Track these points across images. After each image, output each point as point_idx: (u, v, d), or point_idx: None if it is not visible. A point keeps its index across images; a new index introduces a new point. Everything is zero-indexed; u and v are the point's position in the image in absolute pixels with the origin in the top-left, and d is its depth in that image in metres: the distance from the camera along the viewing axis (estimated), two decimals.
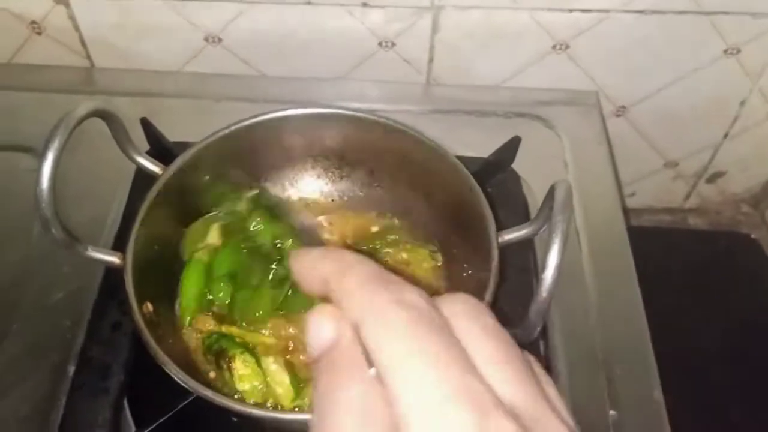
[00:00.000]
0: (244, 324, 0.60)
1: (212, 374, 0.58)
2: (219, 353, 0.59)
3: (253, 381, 0.57)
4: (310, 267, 0.28)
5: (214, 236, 0.66)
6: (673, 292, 0.99)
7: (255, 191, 0.69)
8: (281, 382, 0.57)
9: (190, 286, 0.63)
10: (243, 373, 0.57)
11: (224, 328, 0.60)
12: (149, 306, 0.57)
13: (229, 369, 0.57)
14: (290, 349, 0.59)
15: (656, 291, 0.74)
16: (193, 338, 0.61)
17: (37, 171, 0.50)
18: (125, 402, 0.61)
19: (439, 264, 0.67)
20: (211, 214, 0.67)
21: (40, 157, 0.50)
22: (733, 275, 1.03)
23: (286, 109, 0.66)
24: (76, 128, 0.52)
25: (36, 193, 0.51)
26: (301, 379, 0.58)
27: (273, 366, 0.58)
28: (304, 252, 0.30)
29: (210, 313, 0.62)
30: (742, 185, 1.07)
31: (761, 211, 1.09)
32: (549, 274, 0.44)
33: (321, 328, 0.26)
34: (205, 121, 0.81)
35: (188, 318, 0.61)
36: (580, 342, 0.68)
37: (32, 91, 0.87)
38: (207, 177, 0.66)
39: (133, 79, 0.88)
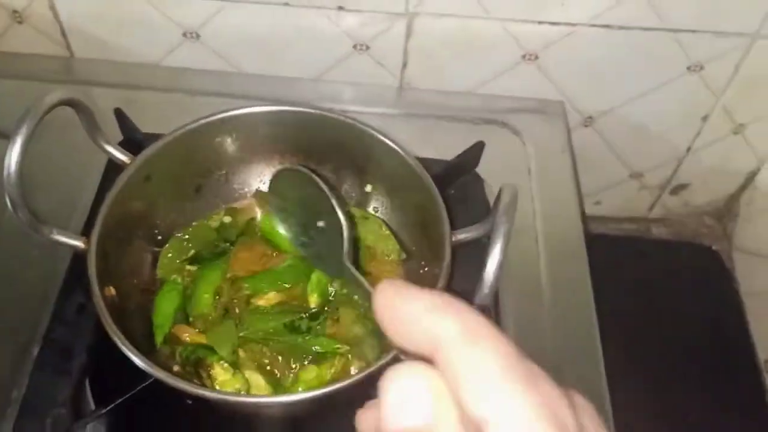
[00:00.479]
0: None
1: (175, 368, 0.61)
2: (197, 363, 0.61)
3: (234, 385, 0.59)
4: (415, 318, 0.22)
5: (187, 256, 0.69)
6: (634, 299, 1.02)
7: (226, 217, 0.71)
8: (257, 385, 0.59)
9: (165, 306, 0.65)
10: (223, 379, 0.59)
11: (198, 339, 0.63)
12: (112, 290, 0.58)
13: (209, 377, 0.60)
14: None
15: (617, 298, 0.76)
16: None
17: (6, 155, 0.52)
18: (87, 382, 0.62)
19: (402, 259, 0.69)
20: (182, 232, 0.70)
21: (9, 141, 0.52)
22: (693, 286, 1.06)
23: (255, 106, 0.68)
24: (45, 115, 0.54)
25: (4, 177, 0.53)
26: (278, 379, 0.60)
27: (248, 371, 0.60)
28: (406, 289, 0.23)
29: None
30: (705, 198, 1.10)
31: (723, 225, 1.12)
32: (490, 272, 0.46)
33: (412, 404, 0.20)
34: (179, 115, 0.83)
35: (161, 336, 0.63)
36: (532, 348, 0.69)
37: (11, 78, 0.89)
38: (175, 168, 0.67)
39: (111, 70, 0.90)
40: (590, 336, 0.72)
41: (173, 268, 0.67)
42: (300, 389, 0.58)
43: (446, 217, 0.60)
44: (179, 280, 0.67)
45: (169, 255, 0.68)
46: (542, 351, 0.70)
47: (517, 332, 0.71)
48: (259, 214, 0.72)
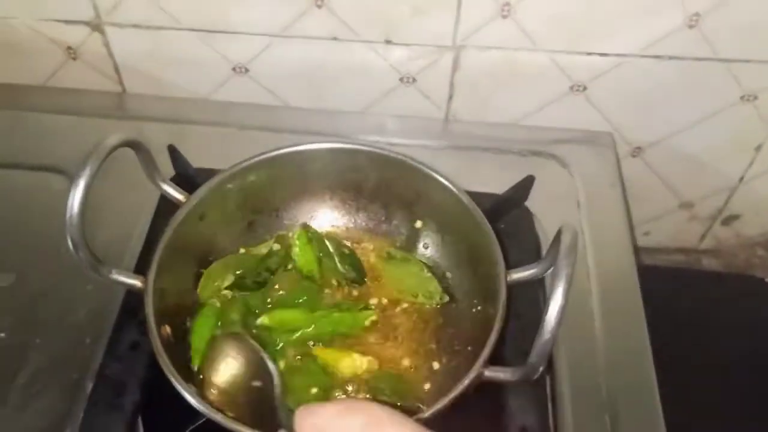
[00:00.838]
0: None
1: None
2: None
3: None
4: (328, 422, 0.27)
5: (228, 279, 0.69)
6: (686, 333, 0.99)
7: (275, 245, 0.71)
8: None
9: (201, 330, 0.65)
10: None
11: None
12: (167, 328, 0.59)
13: None
14: None
15: (667, 331, 0.74)
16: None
17: (69, 197, 0.53)
18: (139, 420, 0.63)
19: (444, 302, 0.69)
20: (228, 256, 0.70)
21: (72, 184, 0.53)
22: (746, 319, 1.03)
23: (306, 144, 0.68)
24: (108, 156, 0.55)
25: (67, 218, 0.54)
26: None
27: None
28: (318, 406, 0.28)
29: None
30: (757, 229, 1.07)
31: None
32: (552, 317, 0.45)
33: None
34: (229, 149, 0.84)
35: (198, 359, 0.63)
36: (587, 383, 0.69)
37: (66, 114, 0.91)
38: (229, 206, 0.68)
39: (163, 106, 0.92)
40: (646, 375, 0.70)
41: (212, 291, 0.67)
42: None
43: (501, 255, 0.59)
44: (217, 303, 0.67)
45: (211, 278, 0.68)
46: (596, 388, 0.68)
47: (570, 369, 0.69)
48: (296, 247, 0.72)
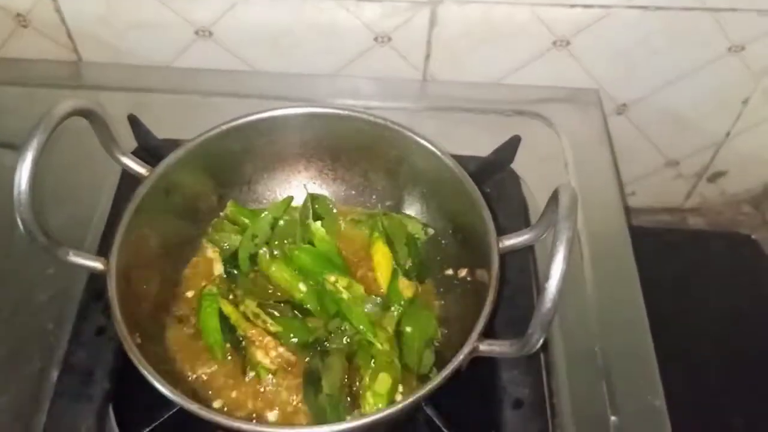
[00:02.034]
0: None
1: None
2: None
3: None
4: None
5: (218, 267, 0.65)
6: (672, 292, 0.98)
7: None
8: None
9: (210, 322, 0.60)
10: None
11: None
12: (133, 314, 0.54)
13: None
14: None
15: (655, 291, 0.72)
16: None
17: (16, 173, 0.48)
18: (110, 409, 0.58)
19: (429, 235, 0.66)
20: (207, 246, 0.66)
21: (19, 158, 0.48)
22: (732, 276, 1.02)
23: (279, 108, 0.64)
24: (56, 128, 0.50)
25: (14, 196, 0.49)
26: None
27: None
28: None
29: None
30: (743, 185, 1.05)
31: (762, 212, 1.07)
32: (553, 284, 0.42)
33: None
34: (194, 118, 0.79)
35: (220, 352, 0.59)
36: (581, 346, 0.66)
37: (18, 85, 0.85)
38: (197, 179, 0.63)
39: (122, 74, 0.86)
40: (641, 337, 0.67)
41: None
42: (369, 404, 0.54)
43: (491, 222, 0.55)
44: (214, 289, 0.62)
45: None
46: (591, 354, 0.65)
47: (563, 336, 0.66)
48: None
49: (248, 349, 0.59)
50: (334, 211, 0.68)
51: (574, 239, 0.43)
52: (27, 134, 0.49)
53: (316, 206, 0.66)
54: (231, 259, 0.64)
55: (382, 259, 0.63)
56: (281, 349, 0.58)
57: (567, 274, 0.70)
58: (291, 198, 0.68)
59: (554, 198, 0.46)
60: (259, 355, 0.58)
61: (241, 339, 0.59)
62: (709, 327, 0.95)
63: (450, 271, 0.63)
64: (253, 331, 0.59)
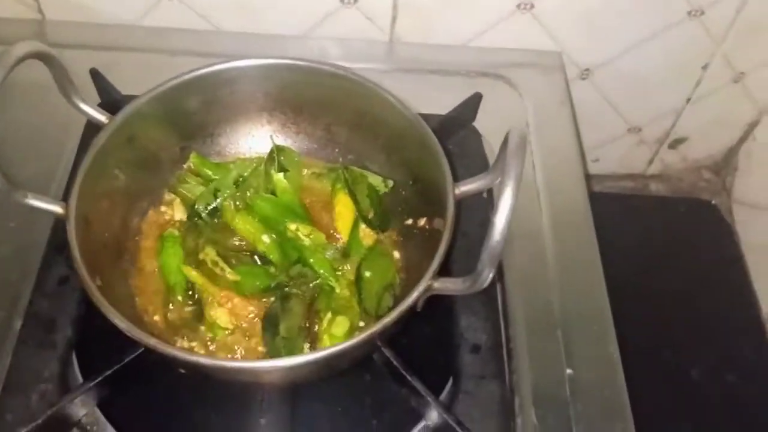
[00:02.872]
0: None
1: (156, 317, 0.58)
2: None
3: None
4: None
5: (179, 212, 0.65)
6: (635, 257, 1.00)
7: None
8: None
9: (170, 262, 0.61)
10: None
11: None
12: (94, 259, 0.55)
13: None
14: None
15: (617, 256, 0.74)
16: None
17: None
18: (73, 356, 0.59)
19: (390, 186, 0.67)
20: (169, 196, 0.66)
21: None
22: (694, 241, 1.05)
23: (240, 60, 0.64)
24: (14, 68, 0.50)
25: None
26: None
27: None
28: None
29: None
30: (704, 152, 1.08)
31: (722, 178, 1.10)
32: (502, 218, 0.43)
33: None
34: (159, 76, 0.78)
35: (182, 291, 0.60)
36: (538, 300, 0.68)
37: None
38: (159, 129, 0.64)
39: (86, 32, 0.85)
40: (597, 290, 0.69)
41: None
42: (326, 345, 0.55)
43: (448, 168, 0.56)
44: (176, 232, 0.63)
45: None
46: (548, 304, 0.67)
47: (521, 286, 0.68)
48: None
49: (205, 307, 0.59)
50: (298, 162, 0.68)
51: (521, 175, 0.44)
52: None
53: (282, 158, 0.67)
54: (193, 210, 0.64)
55: (343, 209, 0.64)
56: (236, 300, 0.59)
57: (525, 228, 0.72)
58: (261, 159, 0.68)
59: (505, 141, 0.47)
60: (215, 314, 0.58)
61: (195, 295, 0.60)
62: (670, 289, 0.98)
63: (410, 221, 0.64)
64: (211, 289, 0.59)
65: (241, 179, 0.66)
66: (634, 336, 0.71)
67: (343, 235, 0.63)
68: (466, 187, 0.56)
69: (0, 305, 0.63)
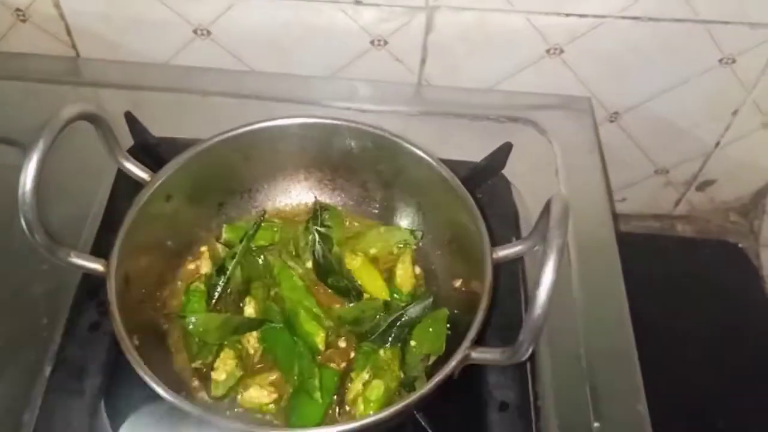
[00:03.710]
0: None
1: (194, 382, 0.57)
2: None
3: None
4: None
5: (206, 265, 0.65)
6: (660, 298, 0.99)
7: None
8: None
9: (193, 311, 0.61)
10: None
11: None
12: (131, 316, 0.55)
13: None
14: None
15: (642, 297, 0.73)
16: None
17: (21, 174, 0.49)
18: (102, 404, 0.59)
19: (417, 242, 0.66)
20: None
21: (25, 158, 0.49)
22: (720, 284, 1.03)
23: (278, 118, 0.64)
24: (62, 131, 0.50)
25: (19, 197, 0.49)
26: None
27: None
28: None
29: None
30: (731, 194, 1.07)
31: (750, 221, 1.09)
32: (543, 293, 0.43)
33: None
34: (191, 117, 0.80)
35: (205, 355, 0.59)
36: (566, 350, 0.67)
37: (16, 80, 0.85)
38: (197, 186, 0.64)
39: (120, 71, 0.86)
40: (625, 344, 0.68)
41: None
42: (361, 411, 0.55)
43: (486, 234, 0.56)
44: (201, 286, 0.63)
45: None
46: (576, 357, 0.66)
47: (550, 336, 0.67)
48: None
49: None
50: (341, 219, 0.68)
51: (564, 249, 0.44)
52: (34, 135, 0.49)
53: (326, 216, 0.67)
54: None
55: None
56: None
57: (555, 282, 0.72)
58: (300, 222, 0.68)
59: (546, 208, 0.47)
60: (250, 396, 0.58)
61: None
62: (695, 333, 0.96)
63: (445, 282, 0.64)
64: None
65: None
66: (658, 381, 0.70)
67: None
68: (504, 252, 0.56)
69: (30, 349, 0.63)
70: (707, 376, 0.93)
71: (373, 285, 0.63)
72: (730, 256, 1.07)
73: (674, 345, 0.95)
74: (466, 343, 0.50)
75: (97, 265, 0.55)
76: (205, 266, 0.64)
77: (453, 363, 0.49)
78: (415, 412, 0.55)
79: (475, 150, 0.76)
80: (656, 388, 0.67)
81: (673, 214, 1.10)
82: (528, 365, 0.64)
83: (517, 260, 0.70)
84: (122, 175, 0.67)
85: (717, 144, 0.97)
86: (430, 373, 0.55)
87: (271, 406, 0.55)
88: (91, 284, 0.65)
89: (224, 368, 0.55)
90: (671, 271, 1.03)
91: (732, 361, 0.95)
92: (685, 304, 1.01)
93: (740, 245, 1.07)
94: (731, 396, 0.92)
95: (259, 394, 0.55)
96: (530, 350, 0.46)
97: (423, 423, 0.55)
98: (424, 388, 0.48)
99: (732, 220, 1.10)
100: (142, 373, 0.49)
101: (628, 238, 1.07)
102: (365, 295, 0.63)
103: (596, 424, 0.63)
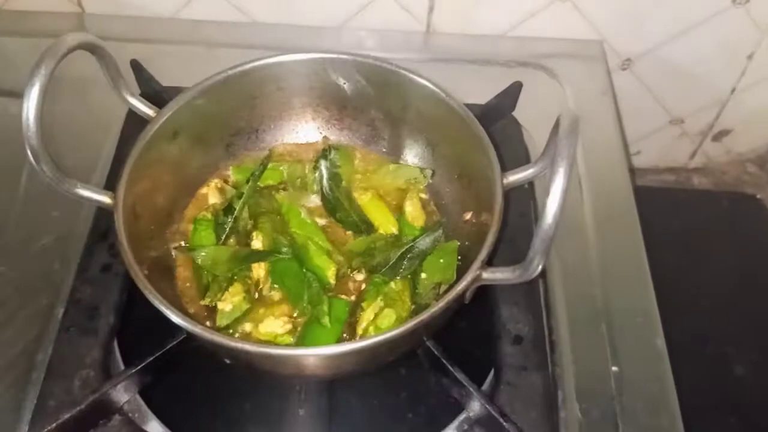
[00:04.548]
0: None
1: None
2: None
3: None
4: None
5: (213, 196, 0.65)
6: (677, 252, 0.98)
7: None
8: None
9: (201, 242, 0.60)
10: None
11: None
12: (140, 249, 0.55)
13: None
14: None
15: (659, 251, 0.72)
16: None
17: (24, 101, 0.48)
18: (115, 342, 0.59)
19: (427, 178, 0.66)
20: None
21: (26, 86, 0.48)
22: (737, 235, 1.02)
23: (284, 54, 0.63)
24: (63, 59, 0.50)
25: (23, 126, 0.49)
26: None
27: None
28: None
29: None
30: (748, 144, 1.05)
31: (767, 171, 1.07)
32: (554, 202, 0.42)
33: None
34: (198, 68, 0.78)
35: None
36: (581, 294, 0.66)
37: (22, 36, 0.85)
38: (204, 125, 0.63)
39: (125, 25, 0.86)
40: (642, 282, 0.68)
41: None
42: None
43: (496, 159, 0.55)
44: (209, 216, 0.62)
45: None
46: (591, 297, 0.66)
47: (563, 278, 0.67)
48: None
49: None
50: (351, 157, 0.68)
51: (574, 159, 0.43)
52: (34, 63, 0.49)
53: (335, 154, 0.66)
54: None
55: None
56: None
57: (568, 220, 0.71)
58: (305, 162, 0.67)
59: (556, 125, 0.46)
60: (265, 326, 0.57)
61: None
62: (714, 284, 0.95)
63: (455, 216, 0.63)
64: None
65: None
66: (677, 331, 0.69)
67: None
68: (514, 176, 0.55)
69: (43, 293, 0.63)
70: (726, 325, 0.92)
71: (383, 219, 0.62)
72: (748, 208, 1.05)
73: (693, 296, 0.94)
74: (477, 263, 0.49)
75: (104, 197, 0.54)
76: (213, 197, 0.64)
77: (464, 283, 0.48)
78: (427, 339, 0.54)
79: (485, 95, 0.75)
80: (675, 337, 0.66)
81: (688, 166, 1.08)
82: (542, 300, 0.64)
83: (529, 198, 0.70)
84: (131, 120, 0.67)
85: (732, 90, 0.95)
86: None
87: (287, 337, 0.55)
88: (102, 228, 0.65)
89: (231, 300, 0.55)
90: (689, 225, 1.02)
91: (751, 311, 0.94)
92: (703, 256, 0.99)
93: (758, 196, 1.05)
94: (750, 343, 0.91)
95: (273, 325, 0.54)
96: (541, 265, 0.45)
97: (436, 352, 0.55)
98: (435, 307, 0.47)
99: (749, 171, 1.08)
100: (152, 298, 0.48)
101: (643, 192, 1.05)
102: (375, 230, 0.62)
103: (614, 368, 0.62)
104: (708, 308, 0.93)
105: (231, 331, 0.56)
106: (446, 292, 0.52)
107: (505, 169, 0.58)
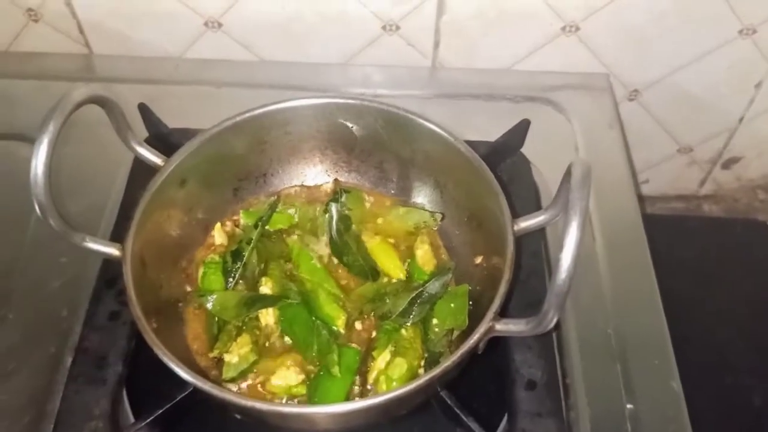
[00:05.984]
0: None
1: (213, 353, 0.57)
2: None
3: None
4: None
5: (220, 236, 0.65)
6: (690, 279, 0.97)
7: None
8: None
9: (211, 286, 0.60)
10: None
11: None
12: (148, 299, 0.54)
13: None
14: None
15: (670, 280, 0.71)
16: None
17: (32, 156, 0.48)
18: (124, 393, 0.59)
19: (439, 221, 0.65)
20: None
21: (35, 142, 0.48)
22: (749, 264, 1.01)
23: (292, 99, 0.63)
24: (72, 113, 0.50)
25: (31, 180, 0.49)
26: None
27: None
28: None
29: None
30: (758, 171, 1.04)
31: None
32: (568, 256, 0.41)
33: None
34: (205, 108, 0.79)
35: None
36: (595, 333, 0.65)
37: (30, 78, 0.85)
38: (211, 171, 0.63)
39: (132, 66, 0.86)
40: (656, 321, 0.67)
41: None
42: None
43: (506, 204, 0.55)
44: (216, 258, 0.62)
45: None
46: (605, 336, 0.65)
47: (576, 318, 0.66)
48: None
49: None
50: (361, 200, 0.68)
51: (587, 211, 0.42)
52: (42, 119, 0.49)
53: (345, 197, 0.66)
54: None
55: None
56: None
57: (580, 257, 0.70)
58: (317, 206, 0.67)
59: (568, 173, 0.46)
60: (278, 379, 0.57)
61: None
62: (728, 312, 0.94)
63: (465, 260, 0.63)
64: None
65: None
66: (693, 361, 0.68)
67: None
68: (526, 223, 0.54)
69: (50, 340, 0.63)
70: (741, 355, 0.91)
71: (391, 265, 0.62)
72: (760, 235, 1.04)
73: (707, 325, 0.93)
74: (490, 314, 0.49)
75: (112, 249, 0.54)
76: (220, 237, 0.63)
77: (477, 335, 0.48)
78: (440, 390, 0.53)
79: (492, 131, 0.75)
80: (690, 368, 0.65)
81: (699, 194, 1.08)
82: (555, 343, 0.63)
83: (540, 239, 0.69)
84: (138, 166, 0.67)
85: (741, 119, 0.95)
86: (454, 351, 0.53)
87: (301, 387, 0.54)
88: (109, 275, 0.64)
89: (238, 351, 0.55)
90: (700, 252, 1.01)
91: (763, 338, 0.93)
92: (716, 284, 0.98)
93: None
94: (764, 371, 0.90)
95: (285, 375, 0.54)
96: (555, 319, 0.44)
97: (449, 402, 0.54)
98: (449, 361, 0.47)
99: (760, 198, 1.07)
100: (160, 354, 0.48)
101: (654, 220, 1.05)
102: (381, 275, 0.61)
103: (629, 406, 0.61)
104: (723, 337, 0.92)
105: (239, 382, 0.55)
106: (458, 340, 0.51)
107: (515, 211, 0.58)
